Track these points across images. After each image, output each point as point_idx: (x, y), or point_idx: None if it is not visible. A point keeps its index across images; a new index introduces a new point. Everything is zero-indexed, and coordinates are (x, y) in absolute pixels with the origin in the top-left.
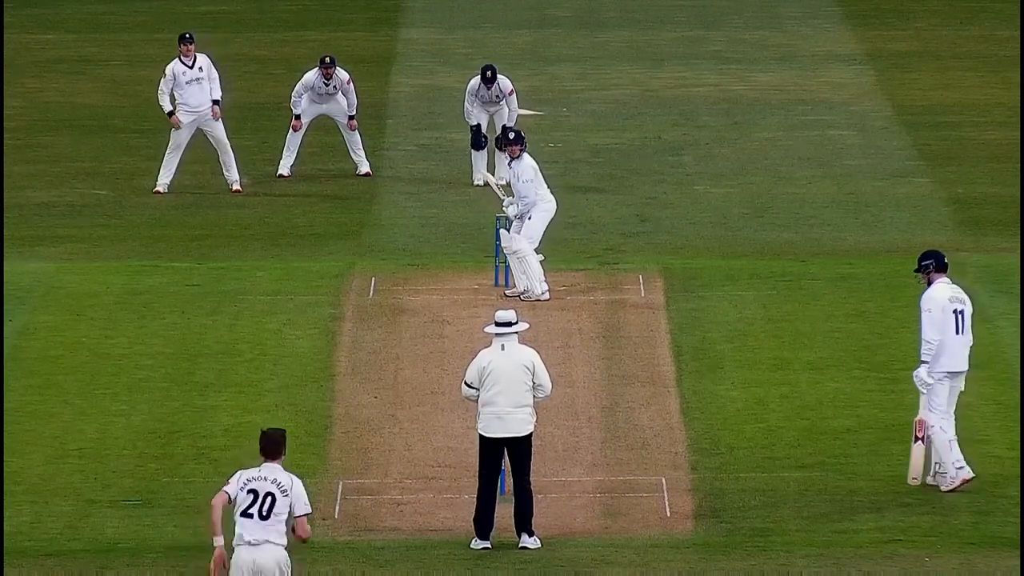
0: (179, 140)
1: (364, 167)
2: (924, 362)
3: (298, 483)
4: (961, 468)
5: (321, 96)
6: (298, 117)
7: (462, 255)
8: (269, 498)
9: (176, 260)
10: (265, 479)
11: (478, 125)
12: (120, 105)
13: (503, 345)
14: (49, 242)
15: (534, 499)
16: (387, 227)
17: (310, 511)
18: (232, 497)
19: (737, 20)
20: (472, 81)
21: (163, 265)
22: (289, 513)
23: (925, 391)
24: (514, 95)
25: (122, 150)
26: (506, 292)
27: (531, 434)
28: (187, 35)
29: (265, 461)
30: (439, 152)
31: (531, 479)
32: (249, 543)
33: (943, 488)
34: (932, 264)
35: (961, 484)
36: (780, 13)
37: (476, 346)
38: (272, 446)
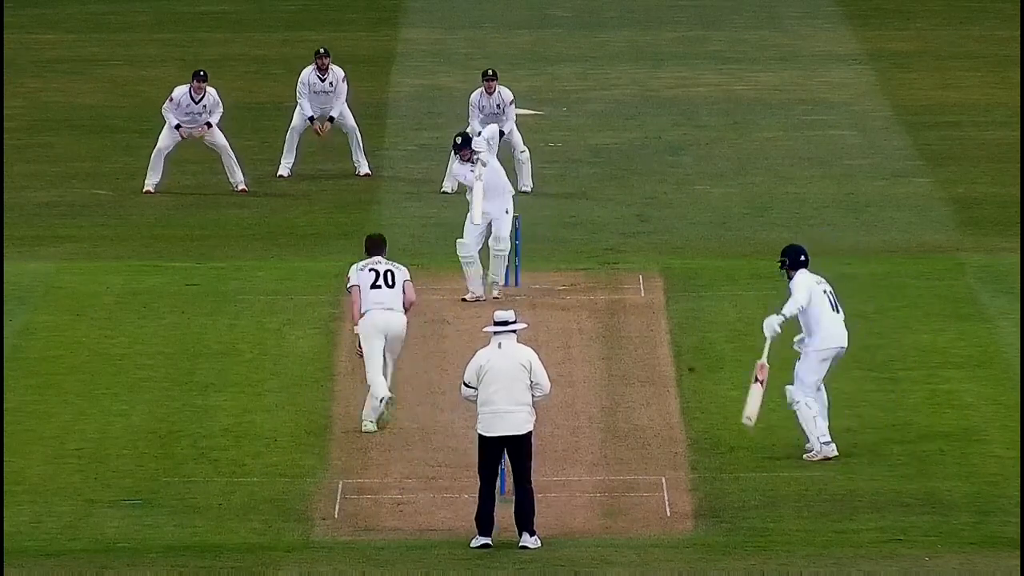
0: (165, 143)
1: (364, 168)
2: (782, 314)
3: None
4: (827, 444)
5: (318, 95)
6: (312, 119)
7: None
8: (389, 273)
9: (176, 260)
10: (380, 262)
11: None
12: (120, 105)
13: (500, 344)
14: (49, 242)
15: (534, 499)
16: (387, 227)
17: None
18: (358, 282)
19: (737, 20)
20: (473, 95)
21: (163, 265)
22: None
23: (769, 336)
24: (513, 105)
25: (122, 150)
26: (494, 293)
27: (531, 432)
28: (201, 72)
29: (371, 255)
30: (439, 152)
31: (531, 478)
32: (382, 306)
33: (805, 457)
34: (785, 261)
35: (822, 460)
36: (780, 13)
37: (476, 346)
38: (376, 245)
